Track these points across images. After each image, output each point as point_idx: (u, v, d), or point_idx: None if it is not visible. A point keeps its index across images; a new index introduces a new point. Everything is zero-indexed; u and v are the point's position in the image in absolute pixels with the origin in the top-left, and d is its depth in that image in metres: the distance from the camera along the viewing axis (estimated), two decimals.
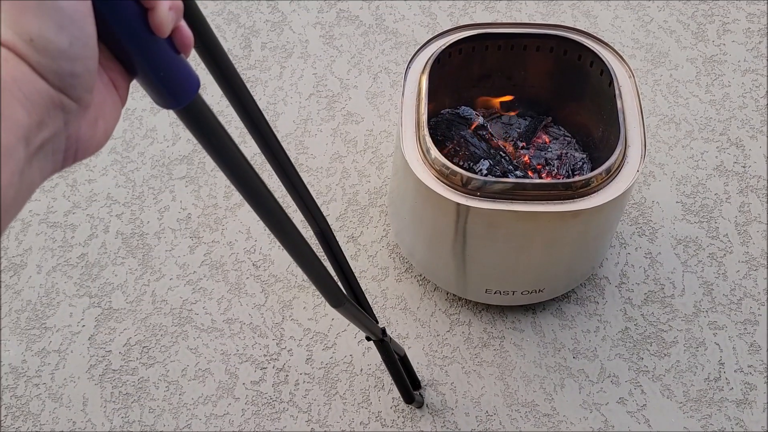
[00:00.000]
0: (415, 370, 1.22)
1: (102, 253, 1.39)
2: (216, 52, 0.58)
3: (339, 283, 0.75)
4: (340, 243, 1.39)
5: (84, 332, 1.30)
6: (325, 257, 0.85)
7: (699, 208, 1.43)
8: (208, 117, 0.42)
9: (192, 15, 0.55)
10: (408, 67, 1.20)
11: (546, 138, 1.38)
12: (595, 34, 1.23)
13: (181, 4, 0.36)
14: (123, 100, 0.38)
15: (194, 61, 0.86)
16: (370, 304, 1.32)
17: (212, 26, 1.72)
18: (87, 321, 1.32)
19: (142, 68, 0.37)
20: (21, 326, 1.31)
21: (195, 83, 0.39)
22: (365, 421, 1.21)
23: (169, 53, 0.37)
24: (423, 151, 1.12)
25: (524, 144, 1.36)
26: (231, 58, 1.75)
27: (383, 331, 0.94)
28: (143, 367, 1.27)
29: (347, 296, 0.75)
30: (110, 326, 1.31)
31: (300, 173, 1.49)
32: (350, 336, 1.29)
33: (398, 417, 1.21)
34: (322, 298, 1.26)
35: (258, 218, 1.42)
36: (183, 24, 0.37)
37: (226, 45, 1.70)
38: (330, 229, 0.82)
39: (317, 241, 0.83)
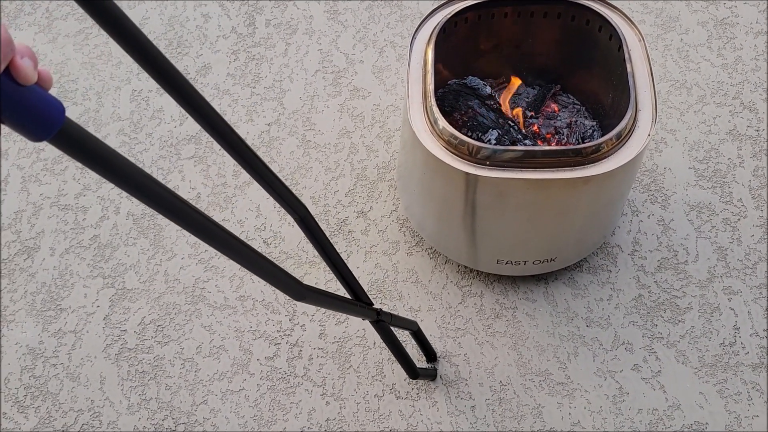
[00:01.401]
0: (429, 342, 1.22)
1: (114, 235, 1.40)
2: (144, 51, 0.57)
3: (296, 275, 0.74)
4: (349, 218, 1.39)
5: (99, 312, 1.32)
6: (310, 244, 0.84)
7: (712, 174, 1.41)
8: (84, 139, 0.41)
9: (126, 29, 0.54)
10: (413, 38, 1.19)
11: (555, 106, 1.37)
12: None
13: (5, 38, 0.35)
14: None
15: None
16: (382, 278, 1.32)
17: (215, 4, 1.71)
18: (101, 301, 1.33)
19: None
20: (37, 308, 1.32)
21: (57, 111, 0.38)
22: (379, 393, 1.21)
23: (15, 90, 0.36)
24: (431, 122, 1.11)
25: (533, 113, 1.35)
26: (235, 36, 1.74)
27: (378, 312, 0.93)
28: (158, 345, 1.28)
29: (311, 288, 0.73)
30: (124, 306, 1.32)
31: (308, 150, 1.49)
32: None
33: (412, 389, 1.21)
34: (333, 275, 1.26)
35: (267, 195, 1.41)
36: (18, 60, 0.36)
37: (229, 23, 1.69)
38: (309, 214, 0.80)
39: (300, 229, 0.82)
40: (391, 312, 1.01)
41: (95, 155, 0.43)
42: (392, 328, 1.01)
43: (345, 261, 0.88)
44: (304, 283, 0.72)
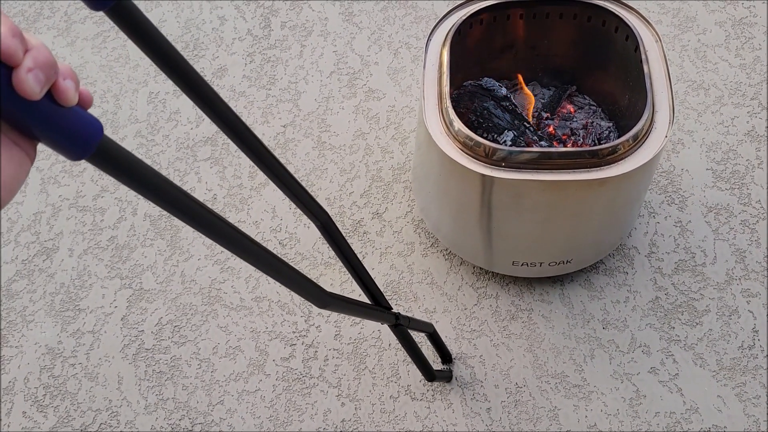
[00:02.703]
0: (444, 343, 1.22)
1: (131, 236, 1.41)
2: (178, 66, 0.57)
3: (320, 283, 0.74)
4: (364, 219, 1.39)
5: (116, 313, 1.33)
6: (331, 250, 0.84)
7: (730, 175, 1.40)
8: (121, 158, 0.41)
9: (146, 32, 0.54)
10: (429, 40, 1.19)
11: (571, 108, 1.36)
12: None
13: (49, 60, 0.35)
14: (30, 157, 0.38)
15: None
16: (397, 279, 1.32)
17: (231, 7, 1.72)
18: (119, 302, 1.34)
19: (28, 129, 0.36)
20: (56, 308, 1.34)
21: (95, 130, 0.39)
22: (395, 395, 1.21)
23: (55, 112, 0.36)
24: (446, 124, 1.11)
25: (549, 114, 1.35)
26: (251, 39, 1.75)
27: (397, 316, 0.93)
28: (175, 345, 1.29)
29: (334, 295, 0.74)
30: (142, 307, 1.33)
31: (323, 151, 1.49)
32: None
33: (428, 390, 1.21)
34: (349, 275, 1.27)
35: (283, 196, 1.42)
36: (60, 82, 0.36)
37: (245, 26, 1.70)
38: (331, 221, 0.80)
39: (321, 235, 0.82)
40: (408, 315, 1.01)
41: (132, 173, 0.43)
42: (409, 331, 1.01)
43: (364, 265, 0.88)
44: (326, 289, 0.72)
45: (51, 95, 0.36)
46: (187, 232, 1.41)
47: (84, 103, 0.40)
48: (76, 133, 0.38)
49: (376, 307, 0.91)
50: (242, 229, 1.38)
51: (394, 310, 0.94)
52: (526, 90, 1.34)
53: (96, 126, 0.39)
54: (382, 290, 1.32)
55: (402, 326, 0.96)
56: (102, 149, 0.40)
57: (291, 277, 0.65)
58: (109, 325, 1.32)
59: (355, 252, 1.36)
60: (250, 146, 0.66)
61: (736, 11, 1.63)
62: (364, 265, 0.89)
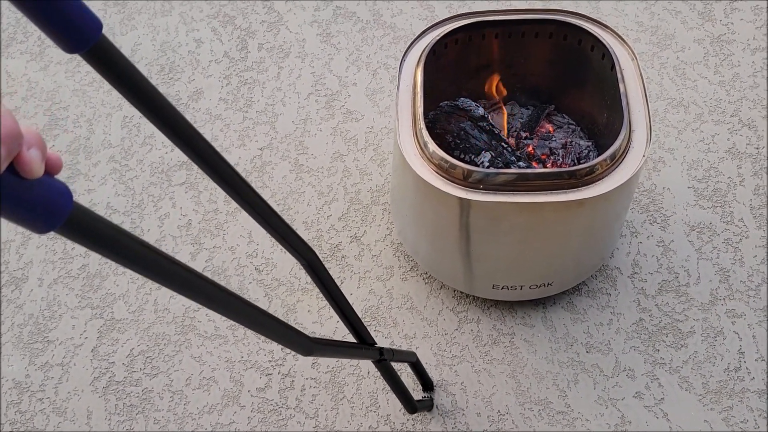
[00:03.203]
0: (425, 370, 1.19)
1: (103, 264, 1.38)
2: (157, 105, 0.54)
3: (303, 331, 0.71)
4: (342, 243, 1.36)
5: (87, 344, 1.29)
6: (316, 288, 0.81)
7: (712, 193, 1.38)
8: (94, 228, 0.38)
9: (125, 72, 0.51)
10: (403, 60, 1.17)
11: (550, 127, 1.34)
12: (594, 17, 1.19)
13: (11, 131, 0.32)
14: None
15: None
16: (376, 304, 1.29)
17: (208, 29, 1.70)
18: (89, 333, 1.30)
19: (35, 14, 0.36)
20: (24, 340, 1.30)
21: (64, 200, 0.36)
22: (374, 425, 1.18)
23: (18, 186, 0.33)
24: (421, 146, 1.08)
25: (527, 134, 1.33)
26: (227, 61, 1.72)
27: (381, 351, 0.90)
28: (147, 377, 1.25)
29: (318, 340, 0.71)
30: (113, 337, 1.29)
31: (301, 174, 1.47)
32: None
33: (407, 420, 1.18)
34: (326, 301, 1.23)
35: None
36: (24, 153, 0.33)
37: (222, 48, 1.68)
38: (318, 258, 0.78)
39: (306, 273, 0.79)
40: (390, 345, 0.98)
41: (106, 241, 0.40)
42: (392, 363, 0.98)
43: (349, 302, 0.86)
44: (309, 336, 0.69)
45: (13, 167, 0.32)
46: None
47: (52, 169, 0.36)
48: (42, 206, 0.34)
49: (361, 345, 0.89)
50: (218, 256, 1.35)
51: (377, 343, 0.92)
52: (496, 90, 1.31)
53: (65, 196, 0.35)
54: (360, 316, 1.29)
55: (386, 361, 0.94)
56: (72, 221, 0.36)
57: (274, 328, 0.62)
58: (78, 357, 1.27)
59: (333, 277, 1.33)
60: (231, 183, 0.62)
61: (714, 28, 1.63)
62: (349, 302, 0.86)
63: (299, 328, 1.27)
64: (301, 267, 1.34)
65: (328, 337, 1.27)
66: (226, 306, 0.53)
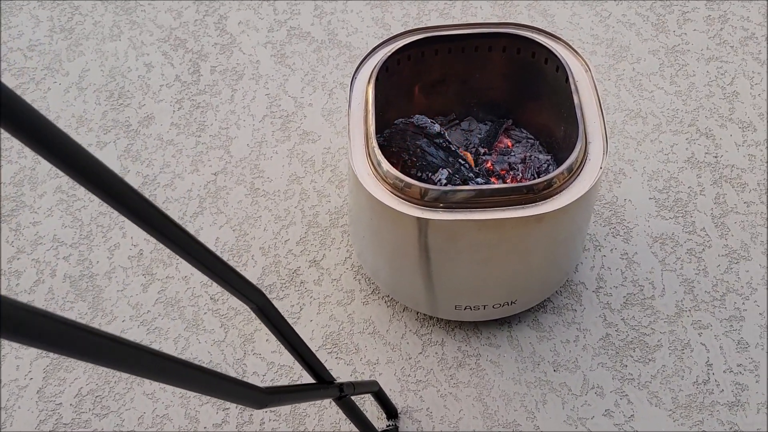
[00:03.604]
0: (389, 397, 1.14)
1: (49, 299, 1.31)
2: (54, 143, 0.47)
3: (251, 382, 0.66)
4: (301, 268, 1.32)
5: (32, 385, 1.22)
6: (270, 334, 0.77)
7: (673, 203, 1.37)
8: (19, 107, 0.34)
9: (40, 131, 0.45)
10: (354, 78, 1.14)
11: (508, 142, 1.32)
12: (546, 29, 1.18)
13: None
14: None
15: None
16: (337, 330, 1.25)
17: (158, 53, 1.66)
18: (35, 373, 1.23)
19: None
20: None
21: None
22: None
23: None
24: (374, 165, 1.05)
25: (486, 150, 1.30)
26: (179, 85, 1.68)
27: (341, 387, 0.86)
28: (96, 418, 1.18)
29: (272, 389, 0.67)
30: (60, 377, 1.22)
31: (257, 198, 1.42)
32: None
33: None
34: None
35: (213, 249, 1.34)
36: None
37: (173, 71, 1.64)
38: (269, 302, 0.73)
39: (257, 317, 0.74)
40: (352, 381, 0.93)
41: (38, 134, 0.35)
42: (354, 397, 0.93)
43: (304, 342, 0.81)
44: (261, 387, 0.65)
45: None
46: (111, 292, 1.32)
47: None
48: None
49: (319, 384, 0.84)
50: (171, 286, 1.29)
51: (336, 379, 0.87)
52: None
53: None
54: (321, 343, 1.24)
55: (347, 396, 0.89)
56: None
57: (220, 386, 0.57)
58: (23, 400, 1.20)
59: (292, 304, 1.28)
60: (161, 230, 0.56)
61: (668, 39, 1.63)
62: (305, 341, 0.81)
63: (257, 359, 1.22)
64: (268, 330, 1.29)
65: (288, 366, 1.22)
66: (159, 372, 0.48)
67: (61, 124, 1.55)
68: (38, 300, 1.31)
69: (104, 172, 0.50)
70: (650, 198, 1.38)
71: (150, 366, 0.46)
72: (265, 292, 1.30)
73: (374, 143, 1.04)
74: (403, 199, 1.03)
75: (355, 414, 0.93)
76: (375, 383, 1.06)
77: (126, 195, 0.51)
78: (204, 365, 1.21)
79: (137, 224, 0.54)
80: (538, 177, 1.24)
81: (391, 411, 1.14)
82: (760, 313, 1.23)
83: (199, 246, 0.60)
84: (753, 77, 1.55)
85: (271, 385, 1.20)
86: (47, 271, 1.35)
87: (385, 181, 1.03)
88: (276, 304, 1.29)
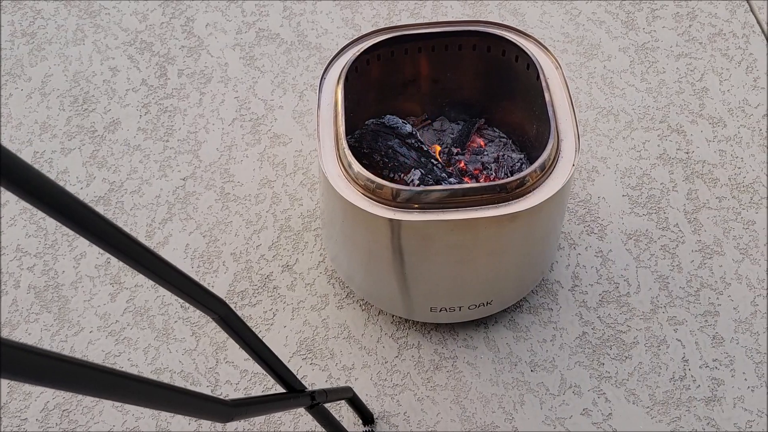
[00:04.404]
0: (365, 402, 1.12)
1: (13, 311, 1.27)
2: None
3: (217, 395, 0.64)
4: (274, 273, 1.29)
5: None
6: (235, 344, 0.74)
7: (646, 200, 1.37)
8: None
9: None
10: (323, 78, 1.12)
11: (481, 141, 1.31)
12: (516, 27, 1.17)
13: None
14: None
15: None
16: (311, 336, 1.23)
17: (124, 57, 1.62)
18: None
19: None
20: None
21: None
22: None
23: None
24: (345, 167, 1.03)
25: (459, 149, 1.29)
26: (145, 89, 1.65)
27: (312, 395, 0.84)
28: None
29: (237, 402, 0.65)
30: (25, 391, 1.18)
31: (227, 203, 1.39)
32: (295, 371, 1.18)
33: None
34: (259, 336, 1.16)
35: (185, 255, 1.31)
36: None
37: (139, 75, 1.60)
38: (231, 311, 0.71)
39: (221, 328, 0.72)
40: (324, 388, 0.91)
41: None
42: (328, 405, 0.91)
43: (271, 349, 0.79)
44: (225, 400, 0.62)
45: None
46: (77, 302, 1.28)
47: None
48: None
49: (289, 394, 0.82)
50: (140, 295, 1.26)
51: (308, 387, 0.85)
52: None
53: None
54: (295, 349, 1.22)
55: (319, 404, 0.87)
56: None
57: (183, 403, 0.55)
58: None
59: (265, 310, 1.26)
60: (112, 243, 0.53)
61: (638, 37, 1.64)
62: (271, 349, 0.79)
63: (230, 367, 1.20)
64: (231, 301, 1.26)
65: (262, 373, 1.19)
66: (112, 390, 0.45)
67: (24, 131, 1.51)
68: (2, 312, 1.27)
69: (44, 184, 0.47)
70: (623, 195, 1.38)
71: (104, 385, 0.43)
72: (237, 298, 1.28)
73: (344, 144, 1.02)
74: (375, 200, 1.01)
75: (329, 422, 0.91)
76: (349, 389, 1.04)
77: (70, 207, 0.49)
78: (175, 374, 1.19)
79: (86, 238, 0.51)
80: (512, 176, 1.23)
81: (366, 417, 1.12)
82: (734, 308, 1.23)
83: (154, 257, 0.57)
84: (722, 73, 1.56)
85: (244, 394, 1.17)
86: (11, 282, 1.30)
87: (356, 182, 1.02)
88: (248, 310, 1.27)
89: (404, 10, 1.70)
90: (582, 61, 1.60)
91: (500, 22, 1.20)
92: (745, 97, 1.52)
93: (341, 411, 1.14)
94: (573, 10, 1.69)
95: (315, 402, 0.84)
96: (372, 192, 1.01)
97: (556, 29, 1.65)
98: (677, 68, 1.58)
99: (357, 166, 1.01)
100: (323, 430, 1.11)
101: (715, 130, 1.47)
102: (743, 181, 1.39)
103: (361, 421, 1.13)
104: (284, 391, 0.82)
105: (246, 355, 1.20)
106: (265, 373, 1.18)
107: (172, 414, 1.15)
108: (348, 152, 1.01)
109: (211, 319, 1.24)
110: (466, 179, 1.24)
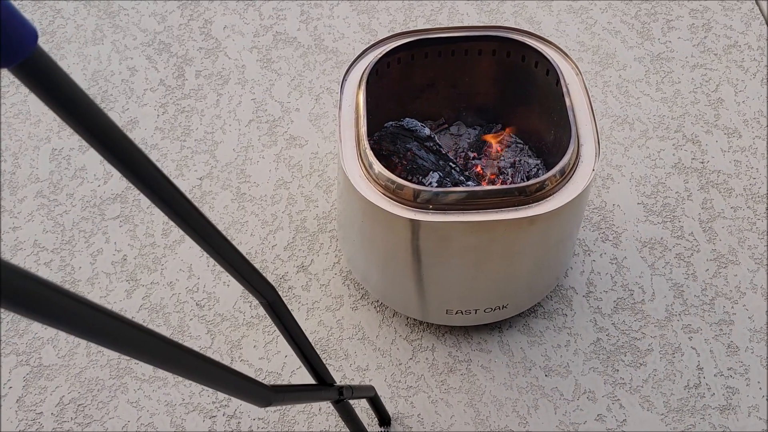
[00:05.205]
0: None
1: None
2: (86, 114, 0.45)
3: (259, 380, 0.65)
4: (289, 273, 1.30)
5: (11, 394, 1.18)
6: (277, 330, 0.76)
7: (661, 208, 1.38)
8: (52, 73, 0.34)
9: (60, 87, 0.44)
10: (344, 81, 1.13)
11: (498, 146, 1.32)
12: (536, 32, 1.18)
13: None
14: None
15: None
16: (326, 336, 1.23)
17: (142, 57, 1.64)
18: (14, 381, 1.19)
19: None
20: None
21: (30, 35, 0.32)
22: None
23: None
24: (366, 167, 1.04)
25: (475, 154, 1.30)
26: (163, 89, 1.66)
27: (340, 390, 0.85)
28: (79, 427, 1.15)
29: (277, 388, 0.66)
30: (41, 385, 1.19)
31: (243, 203, 1.40)
32: (305, 374, 1.19)
33: None
34: (274, 335, 1.17)
35: (200, 253, 1.32)
36: None
37: (157, 76, 1.61)
38: (279, 298, 0.73)
39: (266, 313, 0.74)
40: (349, 384, 0.92)
41: (61, 92, 0.36)
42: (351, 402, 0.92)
43: (310, 342, 0.80)
44: (267, 384, 0.63)
45: None
46: (93, 299, 1.28)
47: None
48: (6, 33, 0.31)
49: (321, 386, 0.83)
50: (155, 292, 1.27)
51: (336, 382, 0.86)
52: None
53: (31, 32, 0.32)
54: None
55: (345, 400, 0.87)
56: (33, 61, 0.33)
57: (228, 380, 0.56)
58: (2, 410, 1.17)
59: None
60: (181, 213, 0.56)
61: (653, 47, 1.65)
62: (310, 341, 0.80)
63: (245, 366, 1.20)
64: (246, 300, 1.27)
65: (276, 373, 1.19)
66: (166, 359, 0.46)
67: (42, 128, 1.52)
68: None
69: (131, 149, 0.49)
70: (638, 203, 1.39)
71: (159, 352, 0.45)
72: (252, 297, 1.28)
73: (366, 145, 1.03)
74: (395, 201, 1.02)
75: (351, 418, 0.91)
76: (371, 388, 1.05)
77: (150, 175, 0.51)
78: None
79: (158, 206, 0.54)
80: (528, 181, 1.24)
81: (384, 418, 1.12)
82: (749, 317, 1.24)
83: (218, 235, 0.60)
84: (737, 84, 1.57)
85: None
86: None
87: (377, 182, 1.02)
88: (264, 309, 1.27)
89: (420, 16, 1.72)
90: (597, 69, 1.61)
91: (516, 27, 1.21)
92: (760, 108, 1.53)
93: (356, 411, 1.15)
94: (589, 20, 1.70)
95: (342, 397, 0.85)
96: (392, 192, 1.01)
97: (572, 38, 1.66)
98: (692, 78, 1.58)
99: (378, 167, 1.02)
100: (336, 430, 1.11)
101: (730, 141, 1.48)
102: (758, 191, 1.40)
103: (377, 421, 1.13)
104: (315, 383, 0.83)
105: (261, 354, 1.20)
106: (278, 372, 1.19)
107: (187, 411, 1.16)
108: (370, 152, 1.02)
109: (225, 318, 1.25)
110: (482, 183, 1.24)
